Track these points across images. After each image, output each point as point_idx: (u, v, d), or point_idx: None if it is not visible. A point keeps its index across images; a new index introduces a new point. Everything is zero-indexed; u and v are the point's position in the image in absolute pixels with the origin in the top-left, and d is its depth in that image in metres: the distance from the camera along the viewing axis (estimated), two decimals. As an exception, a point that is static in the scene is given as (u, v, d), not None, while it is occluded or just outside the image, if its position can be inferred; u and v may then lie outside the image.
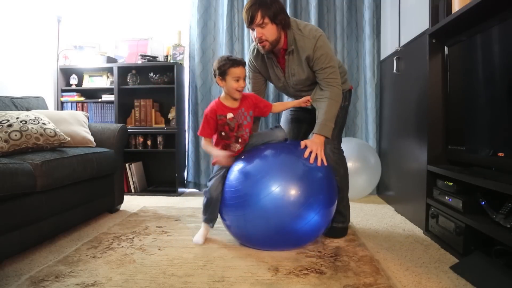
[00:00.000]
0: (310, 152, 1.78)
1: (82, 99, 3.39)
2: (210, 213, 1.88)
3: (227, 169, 1.86)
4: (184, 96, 3.44)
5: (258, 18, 1.78)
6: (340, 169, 2.01)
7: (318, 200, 1.71)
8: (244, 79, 1.82)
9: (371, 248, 1.84)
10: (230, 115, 1.84)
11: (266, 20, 1.79)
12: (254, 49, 2.04)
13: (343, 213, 2.01)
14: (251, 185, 1.69)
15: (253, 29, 1.84)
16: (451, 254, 1.72)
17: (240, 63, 1.80)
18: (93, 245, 1.87)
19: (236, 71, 1.78)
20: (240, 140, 1.88)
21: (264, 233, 1.71)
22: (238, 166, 1.80)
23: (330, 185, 1.82)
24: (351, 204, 2.80)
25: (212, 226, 1.93)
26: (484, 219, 1.51)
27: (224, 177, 1.84)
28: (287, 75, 1.98)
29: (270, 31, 1.81)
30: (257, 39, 1.84)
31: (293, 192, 1.66)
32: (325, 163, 1.80)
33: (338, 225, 2.00)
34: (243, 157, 1.84)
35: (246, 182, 1.72)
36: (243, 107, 1.87)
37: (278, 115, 3.23)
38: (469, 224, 1.58)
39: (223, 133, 1.86)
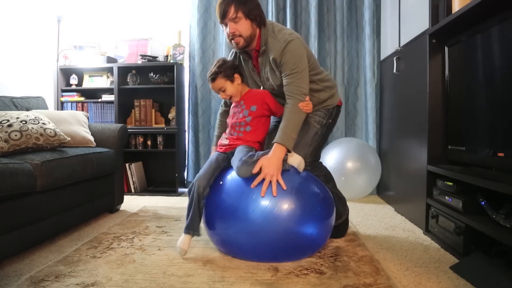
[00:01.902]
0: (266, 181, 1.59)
1: (82, 99, 3.39)
2: (190, 218, 1.68)
3: (218, 165, 1.76)
4: (184, 96, 3.44)
5: (231, 12, 1.70)
6: (319, 175, 1.92)
7: (315, 213, 1.63)
8: (223, 91, 1.84)
9: (371, 248, 1.84)
10: (233, 105, 1.94)
11: (240, 14, 1.71)
12: (233, 52, 1.97)
13: (337, 208, 1.91)
14: (239, 198, 1.60)
15: (226, 25, 1.75)
16: (451, 254, 1.72)
17: (208, 81, 1.86)
18: (93, 245, 1.87)
19: (211, 87, 1.89)
20: (230, 130, 1.87)
21: (254, 249, 1.61)
22: (226, 177, 1.73)
23: (327, 196, 1.74)
24: (351, 204, 2.81)
25: (193, 235, 1.70)
26: (484, 219, 1.51)
27: (214, 173, 1.73)
28: (263, 80, 1.88)
29: (244, 27, 1.73)
30: (230, 35, 1.75)
31: (286, 206, 1.56)
32: (284, 188, 1.58)
33: (338, 222, 1.95)
34: (228, 169, 1.78)
35: (234, 194, 1.64)
36: (242, 100, 1.87)
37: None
38: (469, 224, 1.58)
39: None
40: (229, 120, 1.92)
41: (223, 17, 1.72)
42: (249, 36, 1.75)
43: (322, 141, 1.98)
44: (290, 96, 1.76)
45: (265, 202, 1.56)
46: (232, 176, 1.71)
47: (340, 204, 1.99)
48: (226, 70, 1.81)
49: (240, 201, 1.60)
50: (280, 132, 1.71)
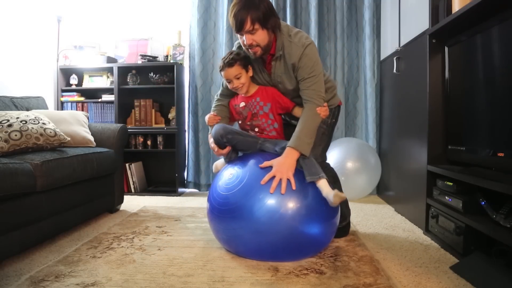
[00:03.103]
0: (276, 178, 1.60)
1: (82, 99, 3.39)
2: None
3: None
4: (184, 96, 3.44)
5: (248, 25, 1.65)
6: (328, 176, 1.92)
7: (320, 213, 1.63)
8: (238, 78, 1.79)
9: (371, 248, 1.84)
10: (242, 104, 1.87)
11: (257, 26, 1.66)
12: (238, 45, 1.90)
13: (341, 210, 1.94)
14: (245, 197, 1.60)
15: (242, 35, 1.71)
16: (451, 254, 1.72)
17: (223, 67, 1.79)
18: (93, 245, 1.87)
19: (224, 74, 1.82)
20: (256, 130, 1.87)
21: (258, 247, 1.62)
22: (230, 174, 1.73)
23: None
24: (351, 204, 2.81)
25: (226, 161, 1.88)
26: (484, 219, 1.51)
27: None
28: (274, 83, 1.86)
29: (261, 37, 1.69)
30: (247, 45, 1.72)
31: (291, 205, 1.57)
32: (293, 188, 1.59)
33: (342, 224, 1.96)
34: (236, 165, 1.77)
35: (239, 193, 1.62)
36: (258, 97, 1.84)
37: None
38: (469, 224, 1.58)
39: (239, 122, 1.93)
40: (243, 121, 1.89)
41: (240, 29, 1.67)
42: (266, 44, 1.73)
43: (328, 141, 2.02)
44: (307, 100, 1.76)
45: (271, 201, 1.56)
46: (239, 174, 1.70)
47: (344, 206, 1.99)
48: (243, 59, 1.80)
49: (246, 200, 1.60)
50: (294, 136, 1.71)
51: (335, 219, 1.71)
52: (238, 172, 1.71)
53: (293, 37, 1.75)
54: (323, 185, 1.65)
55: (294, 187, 1.59)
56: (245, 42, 1.72)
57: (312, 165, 1.68)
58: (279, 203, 1.56)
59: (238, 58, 1.78)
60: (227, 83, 1.87)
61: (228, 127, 1.83)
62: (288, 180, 1.61)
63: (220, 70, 1.83)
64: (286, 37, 1.75)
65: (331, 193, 1.60)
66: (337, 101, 2.03)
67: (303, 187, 1.63)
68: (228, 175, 1.74)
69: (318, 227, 1.63)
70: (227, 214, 1.64)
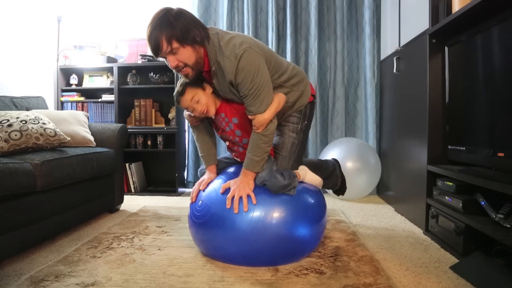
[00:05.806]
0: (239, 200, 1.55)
1: (82, 99, 3.39)
2: None
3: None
4: (184, 96, 3.44)
5: (165, 46, 1.44)
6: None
7: (306, 217, 1.63)
8: (197, 102, 1.62)
9: (371, 248, 1.84)
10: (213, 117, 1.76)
11: (175, 44, 1.44)
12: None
13: (332, 180, 2.05)
14: (227, 211, 1.56)
15: (165, 58, 1.51)
16: (451, 254, 1.72)
17: (176, 98, 1.65)
18: (93, 245, 1.87)
19: (182, 105, 1.67)
20: (227, 143, 1.80)
21: (247, 258, 1.59)
22: (200, 201, 1.70)
23: (319, 199, 1.76)
24: (351, 204, 2.82)
25: None
26: (484, 219, 1.51)
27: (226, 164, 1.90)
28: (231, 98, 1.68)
29: (185, 55, 1.48)
30: (173, 68, 1.52)
31: (276, 213, 1.55)
32: (254, 202, 1.54)
33: (335, 189, 2.13)
34: (220, 175, 1.76)
35: (220, 201, 1.60)
36: (223, 113, 1.69)
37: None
38: (469, 224, 1.58)
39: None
40: (219, 134, 1.80)
41: (157, 53, 1.47)
42: (195, 62, 1.52)
43: (302, 149, 1.84)
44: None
45: (255, 213, 1.54)
46: (216, 189, 1.67)
47: (332, 176, 2.08)
48: (193, 82, 1.62)
49: (227, 214, 1.56)
50: (246, 157, 1.62)
51: (323, 221, 1.74)
52: (214, 189, 1.68)
53: (224, 49, 1.50)
54: (308, 179, 1.84)
55: (254, 202, 1.55)
56: (170, 66, 1.51)
57: (276, 183, 1.59)
58: (262, 213, 1.54)
59: (187, 83, 1.62)
60: (190, 114, 1.72)
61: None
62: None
63: (177, 105, 1.68)
64: (218, 50, 1.52)
65: (319, 185, 1.89)
66: (307, 97, 1.80)
67: (286, 197, 1.62)
68: (199, 202, 1.70)
69: (305, 230, 1.62)
70: (210, 229, 1.61)
